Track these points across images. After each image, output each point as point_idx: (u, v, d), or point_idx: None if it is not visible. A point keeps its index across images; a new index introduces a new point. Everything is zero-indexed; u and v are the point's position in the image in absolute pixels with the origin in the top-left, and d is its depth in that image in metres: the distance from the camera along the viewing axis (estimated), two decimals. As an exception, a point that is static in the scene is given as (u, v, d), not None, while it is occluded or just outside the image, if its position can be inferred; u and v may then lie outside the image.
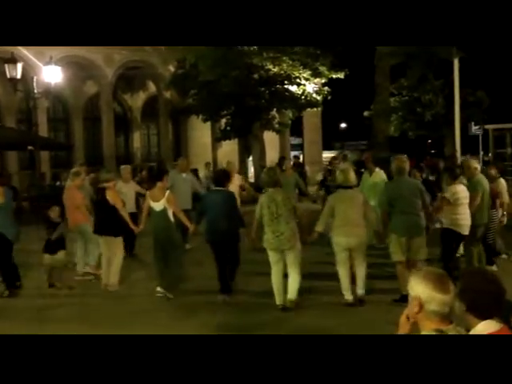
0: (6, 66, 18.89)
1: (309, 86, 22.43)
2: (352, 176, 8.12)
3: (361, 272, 8.01)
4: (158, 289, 8.66)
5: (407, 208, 7.82)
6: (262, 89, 21.97)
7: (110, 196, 9.28)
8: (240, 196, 11.52)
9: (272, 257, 7.94)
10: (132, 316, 7.87)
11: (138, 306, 8.35)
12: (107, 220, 9.22)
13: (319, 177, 17.14)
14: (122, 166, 11.92)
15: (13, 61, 18.64)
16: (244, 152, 26.65)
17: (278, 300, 7.88)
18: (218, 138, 25.19)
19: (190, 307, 8.17)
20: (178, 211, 8.99)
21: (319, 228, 8.08)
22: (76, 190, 10.19)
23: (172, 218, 8.89)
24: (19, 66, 18.91)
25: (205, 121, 23.97)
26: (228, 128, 23.69)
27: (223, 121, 23.96)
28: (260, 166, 23.34)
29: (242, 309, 8.02)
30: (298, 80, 21.96)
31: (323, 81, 22.72)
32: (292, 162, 24.15)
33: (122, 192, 10.76)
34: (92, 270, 10.12)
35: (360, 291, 7.99)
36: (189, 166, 14.21)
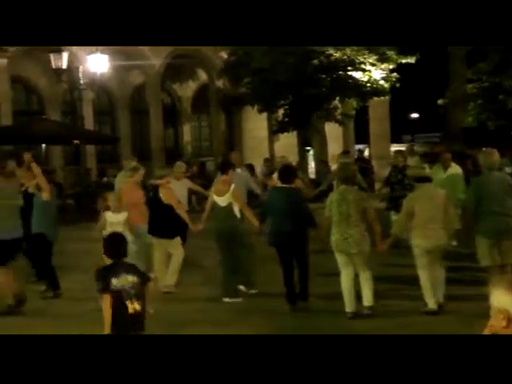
0: (52, 55, 19.39)
1: (375, 73, 22.20)
2: (426, 169, 8.06)
3: (441, 276, 7.90)
4: (240, 287, 8.98)
5: (498, 207, 7.61)
6: (323, 76, 21.85)
7: (163, 194, 9.38)
8: None
9: (340, 260, 7.92)
10: (188, 318, 7.96)
11: (192, 308, 8.47)
12: (161, 220, 9.34)
13: (385, 173, 17.01)
14: (178, 163, 12.08)
15: (58, 50, 19.12)
16: (304, 145, 26.63)
17: (349, 307, 7.85)
18: (274, 130, 25.22)
19: (248, 312, 8.25)
20: (244, 207, 9.06)
21: (397, 231, 8.03)
22: (135, 187, 10.17)
23: (238, 214, 8.97)
24: (65, 55, 19.40)
25: (260, 111, 23.95)
26: (286, 119, 23.71)
27: (280, 111, 23.95)
28: (321, 160, 23.32)
29: (307, 315, 8.04)
30: (362, 66, 21.75)
31: (391, 66, 22.46)
32: (356, 157, 24.13)
33: (174, 190, 10.87)
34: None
35: (440, 298, 7.85)
36: (243, 161, 14.28)
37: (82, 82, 21.01)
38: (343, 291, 7.90)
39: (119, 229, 8.15)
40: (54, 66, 19.67)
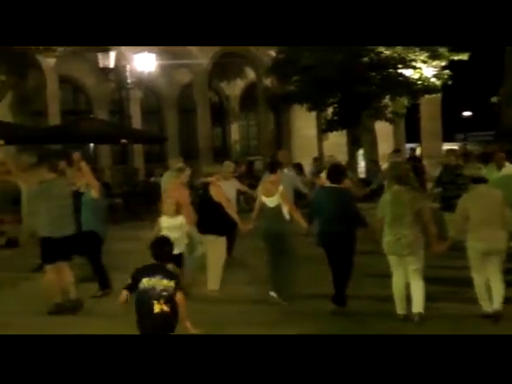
0: (99, 54, 19.68)
1: (426, 70, 21.91)
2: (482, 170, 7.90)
3: (498, 282, 7.69)
4: (271, 293, 8.79)
5: None
6: (373, 74, 21.67)
7: (213, 192, 9.38)
8: None
9: (392, 261, 7.83)
10: (231, 319, 7.97)
11: (236, 309, 8.48)
12: (211, 218, 9.37)
13: (436, 172, 16.78)
14: (226, 163, 12.11)
15: (106, 49, 19.40)
16: (353, 145, 26.46)
17: (400, 308, 7.77)
18: (323, 129, 25.10)
19: (296, 314, 8.19)
20: (292, 208, 9.01)
21: (453, 234, 7.90)
22: (180, 187, 10.15)
23: (287, 216, 8.94)
24: (112, 54, 19.65)
25: (309, 110, 23.89)
26: (335, 118, 23.59)
27: (330, 110, 23.83)
28: (371, 160, 23.13)
29: (355, 318, 7.96)
30: (413, 63, 21.49)
31: (443, 63, 22.13)
32: (408, 156, 23.85)
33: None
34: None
35: (497, 305, 7.67)
36: (291, 160, 14.25)
37: (129, 81, 21.23)
38: (394, 293, 7.81)
39: (175, 234, 8.15)
40: (101, 65, 19.94)
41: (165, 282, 5.52)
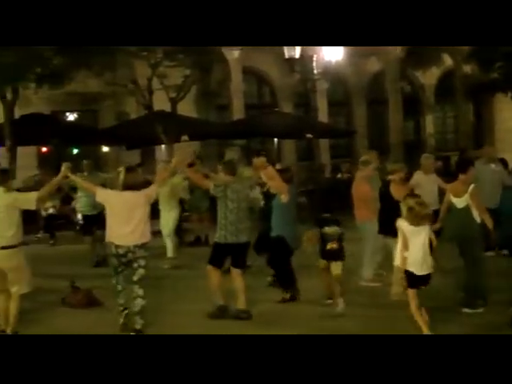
0: (285, 45, 19.80)
1: None
2: None
3: None
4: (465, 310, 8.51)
5: None
6: None
7: (393, 190, 9.28)
8: None
9: None
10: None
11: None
12: (391, 218, 9.09)
13: None
14: (425, 155, 11.77)
15: (292, 39, 19.47)
16: None
17: None
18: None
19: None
20: (482, 210, 8.69)
21: None
22: (363, 182, 10.22)
23: (478, 218, 8.62)
24: (298, 44, 19.70)
25: (515, 99, 22.70)
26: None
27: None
28: None
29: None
30: None
31: None
32: None
33: (421, 185, 10.62)
34: (365, 283, 10.24)
35: None
36: (496, 155, 13.57)
37: (315, 71, 21.17)
38: None
39: None
40: (286, 56, 20.03)
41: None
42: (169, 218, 12.61)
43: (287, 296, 9.47)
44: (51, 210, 16.65)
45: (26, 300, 8.49)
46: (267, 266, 9.94)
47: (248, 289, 9.00)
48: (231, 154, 10.99)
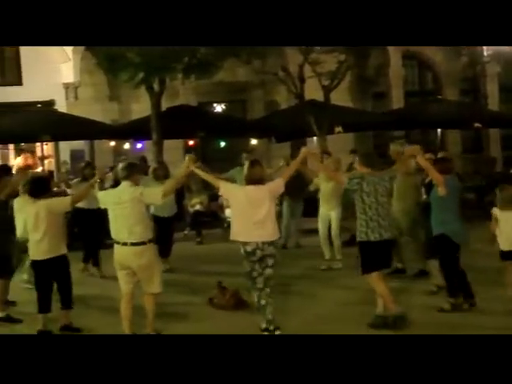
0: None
1: None
2: None
3: None
4: None
5: None
6: None
7: None
8: None
9: None
10: None
11: None
12: None
13: None
14: None
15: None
16: None
17: None
18: None
19: None
20: None
21: None
22: None
23: None
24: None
25: None
26: None
27: None
28: None
29: None
30: None
31: None
32: None
33: None
34: None
35: None
36: None
37: (485, 53, 20.43)
38: None
39: None
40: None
41: None
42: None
43: (459, 301, 9.10)
44: (198, 207, 16.86)
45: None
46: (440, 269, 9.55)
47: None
48: (396, 147, 10.56)
